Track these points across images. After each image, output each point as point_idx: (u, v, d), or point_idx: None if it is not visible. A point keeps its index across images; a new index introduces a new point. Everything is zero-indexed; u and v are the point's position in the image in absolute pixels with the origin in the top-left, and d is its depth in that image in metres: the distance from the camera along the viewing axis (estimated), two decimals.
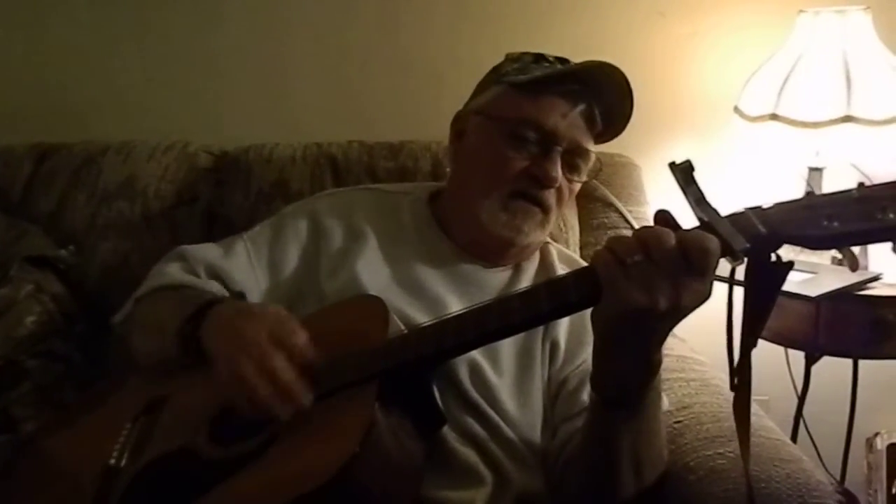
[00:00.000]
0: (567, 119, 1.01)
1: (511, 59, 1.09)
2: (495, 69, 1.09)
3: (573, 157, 1.03)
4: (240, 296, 1.05)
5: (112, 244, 1.44)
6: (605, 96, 1.01)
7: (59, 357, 1.30)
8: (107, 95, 1.67)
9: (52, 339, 1.30)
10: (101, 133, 1.59)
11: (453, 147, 1.12)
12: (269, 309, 0.91)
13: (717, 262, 0.69)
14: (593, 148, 1.05)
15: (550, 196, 1.03)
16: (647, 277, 0.68)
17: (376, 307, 0.92)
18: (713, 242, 0.68)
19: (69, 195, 1.47)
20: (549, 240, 1.17)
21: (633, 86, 0.92)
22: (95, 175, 1.47)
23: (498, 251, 1.07)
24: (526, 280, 1.08)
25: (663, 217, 0.72)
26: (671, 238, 0.68)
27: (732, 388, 0.73)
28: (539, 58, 1.06)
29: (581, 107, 1.01)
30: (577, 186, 1.07)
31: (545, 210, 1.03)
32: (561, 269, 1.10)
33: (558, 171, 1.01)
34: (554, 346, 1.02)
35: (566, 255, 1.17)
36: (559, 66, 1.04)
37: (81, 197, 1.46)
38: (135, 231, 1.44)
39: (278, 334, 0.85)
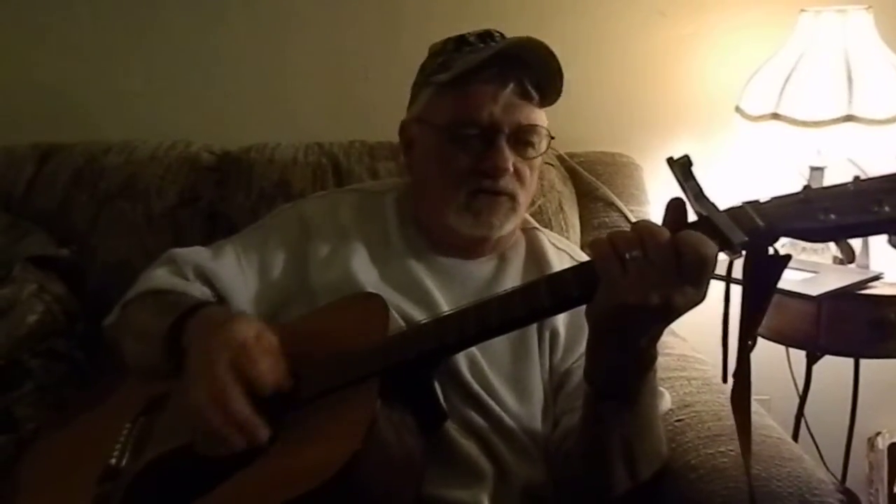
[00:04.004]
0: (500, 103, 0.99)
1: (434, 52, 1.08)
2: (422, 68, 1.09)
3: (521, 136, 1.01)
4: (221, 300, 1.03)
5: (114, 244, 1.44)
6: (531, 65, 0.99)
7: (61, 356, 1.30)
8: (108, 95, 1.67)
9: (54, 338, 1.30)
10: (102, 133, 1.59)
11: (406, 158, 1.12)
12: (235, 331, 0.85)
13: (714, 269, 0.69)
14: (539, 118, 1.03)
15: (509, 182, 1.01)
16: (642, 275, 0.69)
17: (376, 304, 0.92)
18: (711, 249, 0.68)
19: (71, 195, 1.47)
20: (537, 226, 1.17)
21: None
22: (97, 175, 1.47)
23: (477, 247, 1.07)
24: (514, 270, 1.08)
25: (675, 205, 0.71)
26: (665, 234, 0.69)
27: (724, 379, 0.73)
28: (460, 43, 1.04)
29: (510, 85, 1.00)
30: (539, 160, 1.05)
31: (510, 196, 1.02)
32: (556, 257, 1.10)
33: (507, 159, 0.99)
34: (553, 335, 1.02)
35: (559, 240, 1.17)
36: (481, 49, 1.02)
37: (83, 197, 1.46)
38: (136, 231, 1.44)
39: (238, 363, 0.83)
